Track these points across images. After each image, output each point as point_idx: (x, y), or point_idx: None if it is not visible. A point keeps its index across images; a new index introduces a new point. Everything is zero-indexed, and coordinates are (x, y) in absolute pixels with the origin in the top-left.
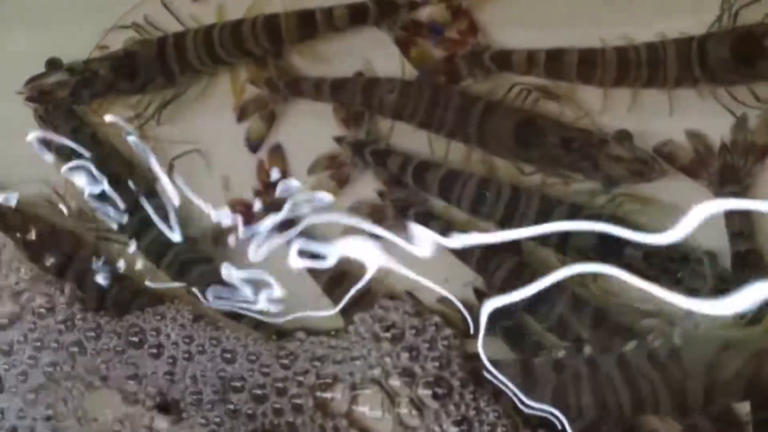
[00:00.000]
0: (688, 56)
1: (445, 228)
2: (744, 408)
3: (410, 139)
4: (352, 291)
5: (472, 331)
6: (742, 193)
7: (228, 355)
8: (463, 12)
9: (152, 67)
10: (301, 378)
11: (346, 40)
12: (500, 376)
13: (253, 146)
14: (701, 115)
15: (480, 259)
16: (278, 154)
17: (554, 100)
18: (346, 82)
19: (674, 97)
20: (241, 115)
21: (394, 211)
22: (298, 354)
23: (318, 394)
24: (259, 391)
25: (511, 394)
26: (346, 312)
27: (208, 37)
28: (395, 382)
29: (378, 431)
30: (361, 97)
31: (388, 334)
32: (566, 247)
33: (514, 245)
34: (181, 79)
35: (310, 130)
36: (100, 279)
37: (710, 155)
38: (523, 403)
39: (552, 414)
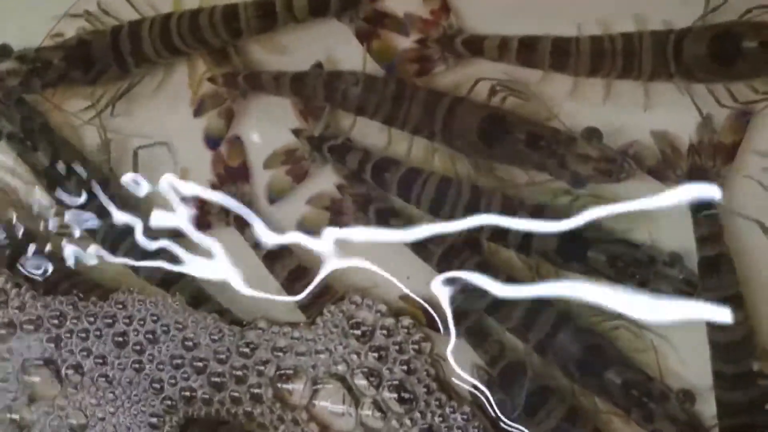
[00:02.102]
0: (664, 50)
1: (407, 225)
2: (709, 411)
3: (371, 134)
4: (311, 286)
5: (442, 331)
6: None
7: (189, 343)
8: None
9: (106, 57)
10: (261, 368)
11: (307, 32)
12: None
13: (212, 143)
14: (678, 111)
15: (441, 258)
16: (237, 147)
17: (524, 100)
18: (307, 75)
19: (651, 91)
20: (199, 110)
21: (354, 205)
22: (259, 343)
23: (279, 385)
24: (217, 379)
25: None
26: (306, 308)
27: (164, 26)
28: (360, 381)
29: (339, 428)
30: (323, 91)
31: (357, 332)
32: (529, 248)
33: (476, 245)
34: (136, 70)
35: (270, 123)
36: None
37: (678, 157)
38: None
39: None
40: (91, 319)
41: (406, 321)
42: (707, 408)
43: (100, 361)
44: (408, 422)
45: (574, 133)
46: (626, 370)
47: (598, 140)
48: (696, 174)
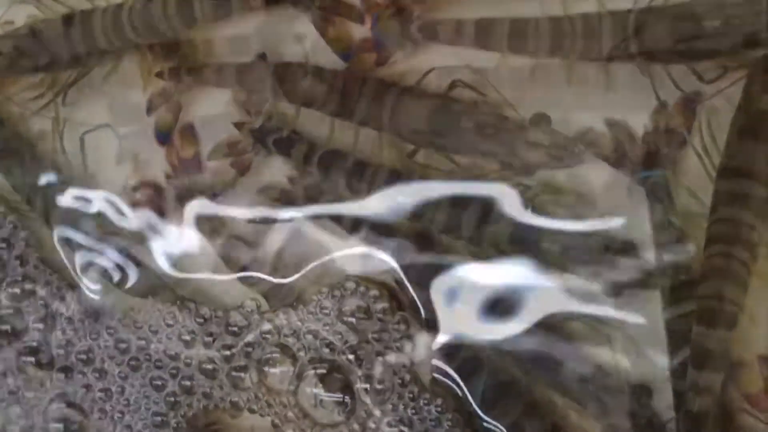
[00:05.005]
0: (625, 30)
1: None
2: (666, 404)
3: (314, 124)
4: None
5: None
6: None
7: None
8: None
9: (58, 46)
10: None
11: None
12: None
13: (161, 138)
14: (639, 94)
15: (395, 251)
16: (189, 138)
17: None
18: (253, 66)
19: (612, 73)
20: (149, 108)
21: (305, 197)
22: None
23: (265, 369)
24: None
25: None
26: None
27: (117, 16)
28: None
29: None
30: (271, 82)
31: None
32: (480, 239)
33: (428, 239)
34: (87, 58)
35: (221, 113)
36: None
37: (633, 144)
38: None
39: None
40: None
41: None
42: (664, 401)
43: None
44: (378, 414)
45: (523, 120)
46: (582, 365)
47: (547, 125)
48: (650, 160)
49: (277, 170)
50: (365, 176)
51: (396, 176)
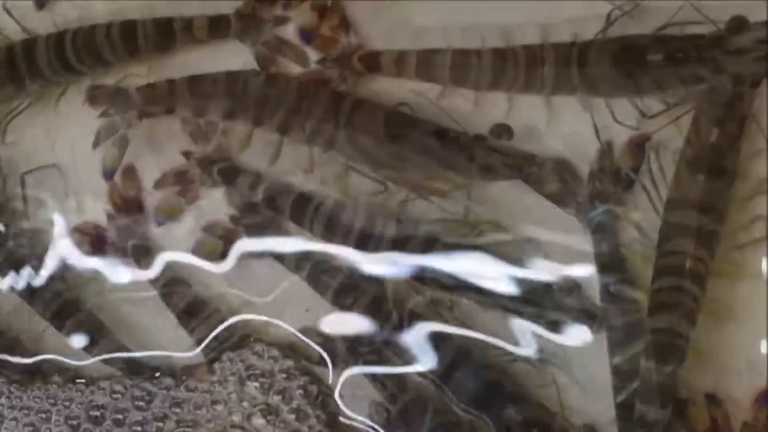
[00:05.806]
0: (568, 62)
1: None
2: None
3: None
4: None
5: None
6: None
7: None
8: (332, 9)
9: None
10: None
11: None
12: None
13: (108, 174)
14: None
15: (337, 291)
16: (132, 177)
17: None
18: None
19: (555, 106)
20: (96, 142)
21: (247, 236)
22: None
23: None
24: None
25: None
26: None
27: (59, 42)
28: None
29: None
30: (223, 85)
31: (256, 384)
32: (423, 277)
33: (373, 278)
34: (31, 87)
35: (163, 146)
36: None
37: (578, 183)
38: None
39: None
40: None
41: (287, 364)
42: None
43: None
44: None
45: (482, 132)
46: (526, 407)
47: (508, 138)
48: (596, 201)
49: (218, 204)
50: (309, 208)
51: (340, 208)
